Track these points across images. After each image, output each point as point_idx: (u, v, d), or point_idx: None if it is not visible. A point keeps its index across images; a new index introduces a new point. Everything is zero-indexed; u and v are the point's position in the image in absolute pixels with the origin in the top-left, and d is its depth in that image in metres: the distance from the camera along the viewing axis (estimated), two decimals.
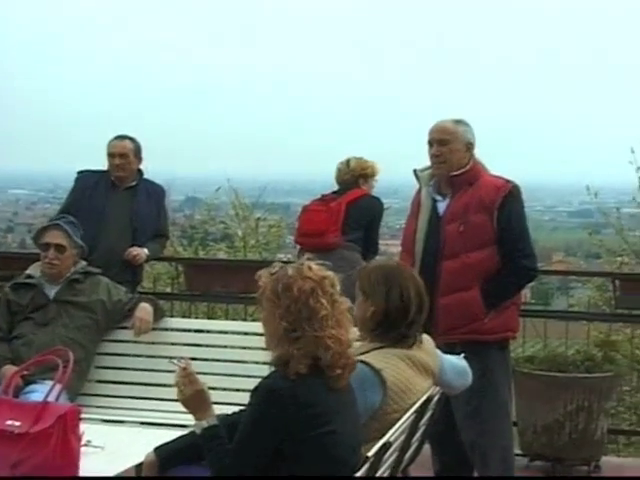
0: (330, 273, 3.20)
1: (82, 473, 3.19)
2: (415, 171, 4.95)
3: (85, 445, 3.42)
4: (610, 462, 6.06)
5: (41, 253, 5.08)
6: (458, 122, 4.83)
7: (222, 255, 11.79)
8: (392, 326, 3.70)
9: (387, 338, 3.71)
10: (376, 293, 3.73)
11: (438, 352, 3.98)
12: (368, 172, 6.60)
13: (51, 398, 3.23)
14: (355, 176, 6.54)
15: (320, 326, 3.09)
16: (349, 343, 3.18)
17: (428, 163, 4.92)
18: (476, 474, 4.93)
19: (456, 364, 4.08)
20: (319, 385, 3.09)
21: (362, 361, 3.50)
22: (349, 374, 3.19)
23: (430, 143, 4.82)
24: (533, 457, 5.86)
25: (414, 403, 3.68)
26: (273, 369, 3.18)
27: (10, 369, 4.64)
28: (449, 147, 4.77)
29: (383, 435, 3.34)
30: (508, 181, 4.81)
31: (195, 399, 3.24)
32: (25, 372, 4.11)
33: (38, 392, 4.18)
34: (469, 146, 4.82)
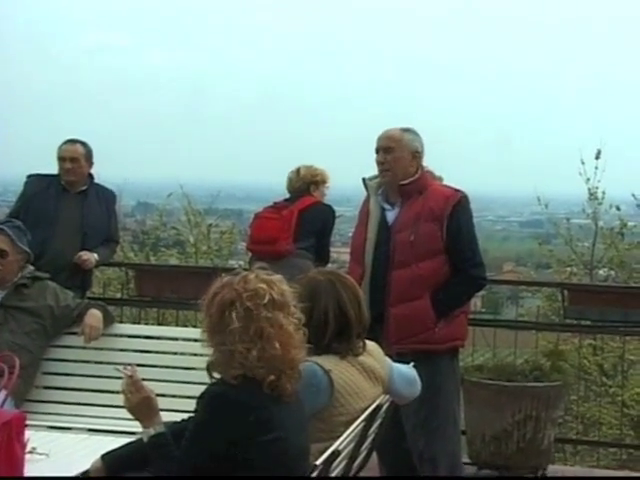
0: (263, 285, 3.12)
1: None
2: (364, 179, 4.97)
3: (30, 452, 3.37)
4: (557, 470, 6.12)
5: None
6: (405, 130, 4.86)
7: (173, 261, 11.78)
8: (312, 341, 3.66)
9: (315, 350, 3.70)
10: (304, 307, 3.70)
11: (387, 360, 3.99)
12: (318, 179, 6.61)
13: None
14: (306, 183, 6.55)
15: (230, 340, 3.07)
16: (278, 356, 3.10)
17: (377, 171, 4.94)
18: None
19: (405, 373, 4.09)
20: (262, 393, 3.07)
21: (311, 361, 3.51)
22: (291, 382, 3.15)
23: (377, 150, 4.85)
24: (481, 466, 5.89)
25: (362, 408, 3.69)
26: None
27: None
28: (394, 155, 4.79)
29: (328, 437, 3.35)
30: (457, 190, 4.84)
31: (142, 406, 3.22)
32: None
33: None
34: (415, 154, 4.84)
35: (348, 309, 3.75)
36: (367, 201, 4.96)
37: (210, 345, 3.13)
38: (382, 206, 4.87)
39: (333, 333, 3.70)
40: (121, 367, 3.34)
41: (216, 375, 3.16)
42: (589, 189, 11.53)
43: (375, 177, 4.93)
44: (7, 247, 4.96)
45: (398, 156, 4.78)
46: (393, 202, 4.86)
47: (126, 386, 3.25)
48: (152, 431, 3.18)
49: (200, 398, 3.08)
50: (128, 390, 3.24)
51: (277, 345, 3.10)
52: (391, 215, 4.84)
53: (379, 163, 4.81)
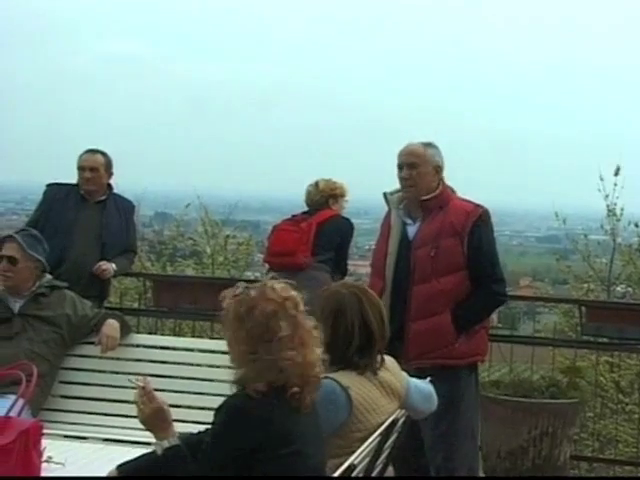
0: (293, 293, 3.18)
1: None
2: (385, 194, 4.96)
3: (46, 461, 3.38)
4: None
5: None
6: (427, 145, 4.84)
7: (190, 272, 11.79)
8: (331, 356, 3.65)
9: (335, 365, 3.70)
10: (324, 321, 3.70)
11: (404, 375, 3.98)
12: (337, 192, 6.61)
13: (13, 413, 3.19)
14: (325, 197, 6.55)
15: (277, 349, 3.07)
16: (313, 362, 3.15)
17: (398, 185, 4.93)
18: None
19: (422, 388, 4.08)
20: (282, 405, 3.07)
21: (330, 377, 3.50)
22: (311, 393, 3.16)
23: (400, 166, 4.82)
24: None
25: (379, 424, 3.68)
26: (236, 388, 3.17)
27: None
28: (418, 170, 4.77)
29: (345, 453, 3.34)
30: (478, 206, 4.82)
31: (155, 417, 3.21)
32: None
33: (0, 406, 4.13)
34: (438, 169, 4.83)
35: (372, 324, 3.74)
36: (388, 215, 4.95)
37: (243, 358, 3.10)
38: (403, 221, 4.86)
39: (356, 348, 3.70)
40: (134, 378, 3.34)
41: (238, 388, 3.15)
42: (607, 205, 11.50)
43: (396, 191, 4.92)
44: (17, 254, 4.98)
45: (422, 172, 4.77)
46: (414, 217, 4.84)
47: (139, 397, 3.25)
48: (166, 443, 3.16)
49: (218, 410, 3.07)
50: (141, 401, 3.24)
51: (317, 351, 3.14)
52: (412, 230, 4.82)
53: (403, 179, 4.79)
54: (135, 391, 3.28)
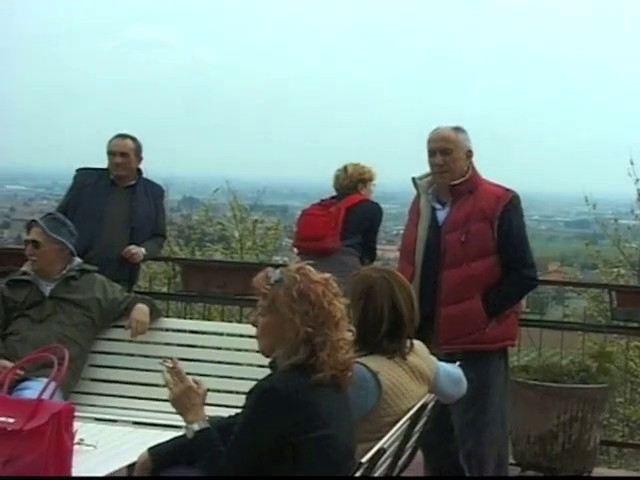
0: (327, 275, 3.20)
1: (74, 472, 3.17)
2: (414, 179, 4.93)
3: (78, 443, 3.41)
4: (602, 473, 6.06)
5: None
6: (457, 129, 4.80)
7: (218, 256, 11.82)
8: (362, 342, 3.65)
9: (364, 349, 3.70)
10: (355, 306, 3.71)
11: (433, 359, 3.98)
12: (366, 177, 6.59)
13: (45, 396, 3.22)
14: (354, 181, 6.53)
15: (337, 329, 3.10)
16: (351, 344, 3.19)
17: (426, 170, 4.90)
18: None
19: (451, 372, 4.07)
20: (317, 388, 3.07)
21: (359, 362, 3.51)
22: (349, 375, 3.19)
23: (432, 152, 4.77)
24: (526, 467, 5.85)
25: (408, 408, 3.68)
26: (270, 372, 3.17)
27: (4, 364, 4.65)
28: (452, 156, 4.73)
29: (374, 437, 3.34)
30: (508, 190, 4.79)
31: (185, 398, 3.22)
32: (20, 369, 4.10)
33: (32, 389, 4.16)
34: (469, 154, 4.80)
35: (402, 308, 3.73)
36: (417, 200, 4.92)
37: (301, 344, 3.09)
38: (432, 205, 4.83)
39: (386, 332, 3.70)
40: (162, 360, 3.34)
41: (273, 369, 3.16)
42: (638, 190, 11.42)
43: (425, 176, 4.89)
44: (40, 238, 5.03)
45: (456, 157, 4.73)
46: (443, 201, 4.81)
47: (169, 378, 3.25)
48: (196, 426, 3.17)
49: (250, 393, 3.07)
50: (171, 382, 3.24)
51: (350, 334, 3.18)
52: (442, 215, 4.79)
53: (437, 165, 4.74)
54: (163, 372, 3.28)
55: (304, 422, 3.01)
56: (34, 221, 5.10)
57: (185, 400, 3.22)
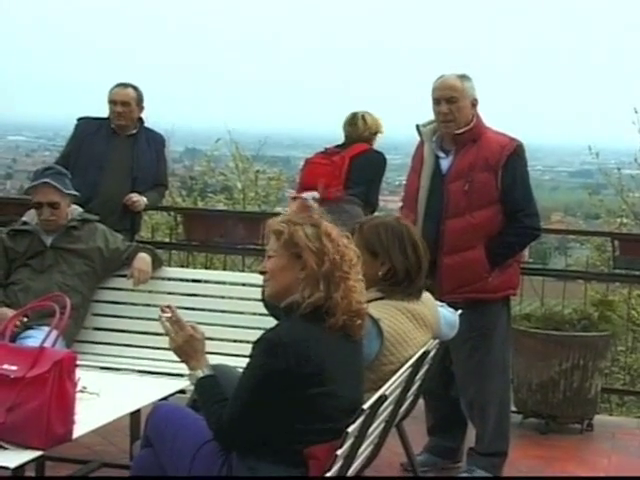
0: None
1: (77, 419, 3.19)
2: (418, 126, 4.88)
3: (81, 391, 3.41)
4: (603, 420, 6.10)
5: (35, 210, 5.05)
6: (463, 77, 4.74)
7: (221, 207, 11.78)
8: (408, 282, 3.79)
9: (395, 292, 3.74)
10: (390, 250, 3.77)
11: (437, 307, 4.00)
12: (381, 129, 6.57)
13: (47, 344, 3.22)
14: (372, 133, 6.49)
15: (352, 272, 3.10)
16: (363, 292, 3.19)
17: (430, 117, 4.86)
18: (474, 429, 4.96)
19: (449, 318, 4.12)
20: (326, 339, 3.06)
21: None
22: (363, 323, 3.19)
23: (437, 101, 4.72)
24: (527, 414, 5.89)
25: (411, 356, 3.70)
26: (279, 320, 3.17)
27: (5, 312, 4.66)
28: (457, 105, 4.67)
29: (377, 386, 3.35)
30: (512, 139, 4.73)
31: (187, 346, 3.21)
32: (23, 317, 4.11)
33: (34, 337, 4.18)
34: (474, 102, 4.74)
35: (420, 250, 3.85)
36: (420, 148, 4.88)
37: (311, 280, 3.07)
38: (436, 154, 4.79)
39: (412, 273, 3.80)
40: (160, 310, 3.31)
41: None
42: None
43: (429, 123, 4.84)
44: (57, 198, 5.00)
45: (461, 105, 4.66)
46: (447, 150, 4.77)
47: (169, 326, 3.24)
48: (200, 373, 3.17)
49: (257, 343, 3.06)
50: (171, 330, 3.23)
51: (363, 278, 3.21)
52: (445, 163, 4.75)
53: (442, 114, 4.69)
54: (162, 320, 3.26)
55: (308, 377, 2.99)
56: (45, 182, 5.02)
57: (188, 348, 3.22)
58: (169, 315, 3.26)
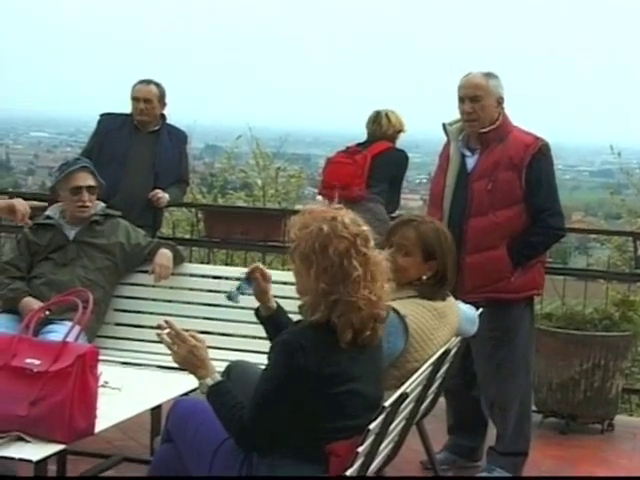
0: (364, 228, 3.13)
1: (99, 413, 3.20)
2: (444, 125, 4.86)
3: (102, 386, 3.43)
4: (623, 421, 6.08)
5: (69, 197, 5.06)
6: (488, 75, 4.71)
7: (241, 204, 11.80)
8: (443, 284, 3.86)
9: (428, 292, 3.80)
10: (447, 259, 3.87)
11: (458, 304, 4.01)
12: (404, 128, 6.57)
13: (70, 338, 3.23)
14: (396, 131, 6.50)
15: (353, 289, 3.04)
16: (382, 298, 3.12)
17: (453, 116, 4.85)
18: (494, 429, 4.95)
19: (468, 313, 4.12)
20: (340, 346, 3.04)
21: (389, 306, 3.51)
22: (380, 329, 3.15)
23: (462, 99, 4.70)
24: (547, 414, 5.87)
25: (434, 354, 3.70)
26: (294, 323, 3.16)
27: (29, 301, 4.71)
28: (482, 104, 4.65)
29: (400, 383, 3.35)
30: (538, 138, 4.70)
31: (191, 357, 3.17)
32: (46, 312, 4.13)
33: (57, 332, 4.20)
34: (500, 100, 4.71)
35: (447, 257, 3.88)
36: (447, 146, 4.86)
37: (316, 292, 3.05)
38: (462, 152, 4.78)
39: (435, 279, 3.84)
40: (159, 327, 3.24)
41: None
42: None
43: (455, 122, 4.82)
44: (94, 182, 5.11)
45: (486, 104, 4.64)
46: (473, 148, 4.75)
47: (170, 340, 3.19)
48: (210, 381, 3.14)
49: (275, 345, 3.05)
50: (173, 344, 3.18)
51: (386, 286, 3.14)
52: (471, 162, 4.73)
53: (466, 113, 4.68)
54: (161, 336, 3.20)
55: (328, 377, 2.99)
56: (84, 167, 5.09)
57: (192, 358, 3.17)
58: (168, 330, 3.20)
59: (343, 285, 3.04)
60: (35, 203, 5.17)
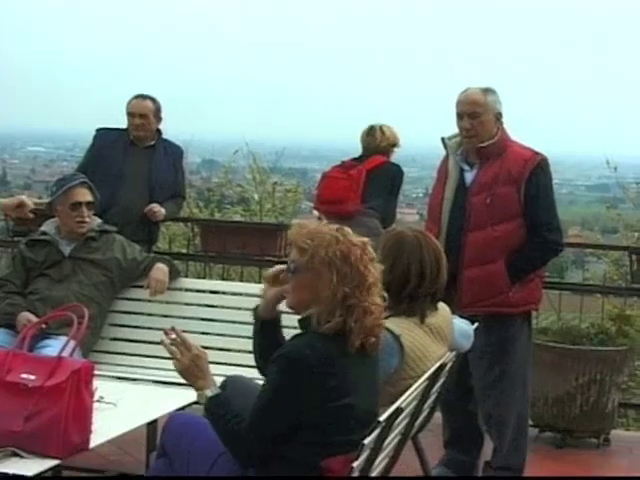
0: (365, 239, 3.18)
1: (94, 428, 3.20)
2: (443, 139, 4.87)
3: (98, 401, 3.43)
4: (619, 435, 6.07)
5: (68, 213, 5.06)
6: (486, 91, 4.71)
7: (238, 218, 11.80)
8: (392, 297, 3.69)
9: (394, 308, 3.73)
10: (384, 263, 3.73)
11: (453, 319, 3.99)
12: (398, 141, 6.59)
13: (65, 353, 3.24)
14: (390, 144, 6.51)
15: (368, 294, 3.08)
16: (382, 308, 3.18)
17: (451, 131, 4.86)
18: (490, 442, 4.94)
19: (463, 328, 4.10)
20: (346, 355, 3.06)
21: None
22: (379, 339, 3.18)
23: (460, 115, 4.71)
24: (543, 428, 5.87)
25: (429, 369, 3.70)
26: (294, 337, 3.16)
27: (26, 316, 4.71)
28: (480, 120, 4.66)
29: (395, 400, 3.34)
30: (537, 153, 4.71)
31: (194, 366, 3.17)
32: (42, 326, 4.13)
33: (52, 347, 4.20)
34: (498, 116, 4.72)
35: (427, 269, 3.77)
36: (446, 161, 4.87)
37: (336, 306, 3.06)
38: (461, 166, 4.79)
39: (409, 292, 3.74)
40: (165, 333, 3.23)
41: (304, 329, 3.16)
42: None
43: (454, 136, 4.83)
44: (92, 198, 5.14)
45: (484, 120, 4.65)
46: (472, 163, 4.76)
47: (174, 348, 3.18)
48: (209, 393, 3.14)
49: (276, 359, 3.05)
50: (177, 352, 3.18)
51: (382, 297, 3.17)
52: (469, 176, 4.74)
53: (465, 129, 4.69)
54: (165, 343, 3.19)
55: (326, 392, 3.00)
56: (83, 182, 5.12)
57: (194, 368, 3.17)
58: (174, 337, 3.20)
59: (359, 290, 3.07)
60: (38, 201, 5.24)
